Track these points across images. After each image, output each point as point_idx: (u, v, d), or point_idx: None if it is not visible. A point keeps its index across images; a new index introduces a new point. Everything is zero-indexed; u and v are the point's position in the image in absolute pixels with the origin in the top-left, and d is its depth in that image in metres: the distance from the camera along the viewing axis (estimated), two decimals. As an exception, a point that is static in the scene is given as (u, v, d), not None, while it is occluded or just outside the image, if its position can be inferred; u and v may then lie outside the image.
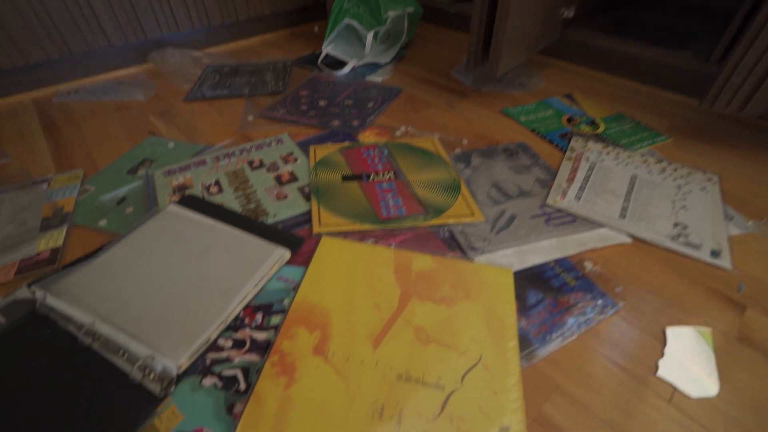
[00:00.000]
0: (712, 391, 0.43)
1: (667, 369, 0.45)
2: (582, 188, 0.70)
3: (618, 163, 0.78)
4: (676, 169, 0.76)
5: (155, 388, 0.40)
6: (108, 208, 0.67)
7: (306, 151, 0.80)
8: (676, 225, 0.64)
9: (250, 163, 0.76)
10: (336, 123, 0.89)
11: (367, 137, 0.85)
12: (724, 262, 0.58)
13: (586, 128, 0.88)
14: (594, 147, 0.82)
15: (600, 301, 0.52)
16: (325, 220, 0.62)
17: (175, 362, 0.41)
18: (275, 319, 0.47)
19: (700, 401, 0.42)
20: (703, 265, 0.58)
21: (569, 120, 0.92)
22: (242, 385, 0.41)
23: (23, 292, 0.52)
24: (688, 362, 0.46)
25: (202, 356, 0.44)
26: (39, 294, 0.49)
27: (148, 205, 0.67)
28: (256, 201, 0.67)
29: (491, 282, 0.52)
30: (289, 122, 0.91)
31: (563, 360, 0.46)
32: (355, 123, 0.89)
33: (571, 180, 0.73)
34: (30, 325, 0.47)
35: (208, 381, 0.42)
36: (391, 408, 0.39)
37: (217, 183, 0.71)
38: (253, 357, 0.44)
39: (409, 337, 0.45)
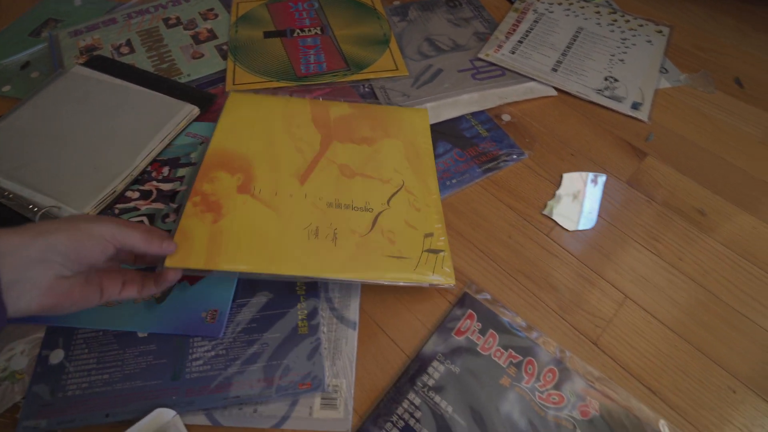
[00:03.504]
0: (588, 226, 0.47)
1: (553, 208, 0.48)
2: (521, 41, 0.66)
3: (568, 15, 0.72)
4: (628, 21, 0.71)
5: (65, 233, 0.43)
6: (12, 73, 0.62)
7: (228, 7, 0.72)
8: (606, 78, 0.62)
9: (166, 20, 0.69)
10: (265, -27, 0.79)
11: (299, -11, 0.76)
12: (642, 114, 0.58)
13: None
14: (546, -4, 0.75)
15: (507, 150, 0.53)
16: (240, 78, 0.59)
17: (80, 210, 0.43)
18: (182, 171, 0.48)
19: (574, 234, 0.47)
20: (621, 117, 0.58)
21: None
22: (148, 229, 0.44)
23: (-68, 156, 0.52)
24: (574, 202, 0.49)
25: (110, 207, 0.46)
26: (-57, 155, 0.48)
27: (54, 68, 0.62)
28: (169, 61, 0.63)
29: (408, 121, 0.53)
30: (212, -27, 0.80)
31: (459, 202, 0.49)
32: (287, -27, 0.79)
33: (511, 33, 0.68)
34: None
35: (117, 226, 0.44)
36: (325, 228, 0.42)
37: (129, 43, 0.65)
38: (158, 205, 0.46)
39: (334, 173, 0.47)
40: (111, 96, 0.55)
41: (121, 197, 0.46)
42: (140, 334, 0.38)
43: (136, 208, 0.46)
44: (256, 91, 0.57)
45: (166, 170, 0.49)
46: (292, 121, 0.51)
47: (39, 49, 0.66)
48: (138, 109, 0.53)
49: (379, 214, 0.44)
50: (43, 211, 0.43)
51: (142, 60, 0.63)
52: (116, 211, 0.46)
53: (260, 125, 0.51)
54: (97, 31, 0.67)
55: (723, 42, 0.68)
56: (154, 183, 0.48)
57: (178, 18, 0.70)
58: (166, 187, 0.47)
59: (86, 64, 0.60)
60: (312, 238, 0.41)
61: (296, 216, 0.42)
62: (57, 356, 0.37)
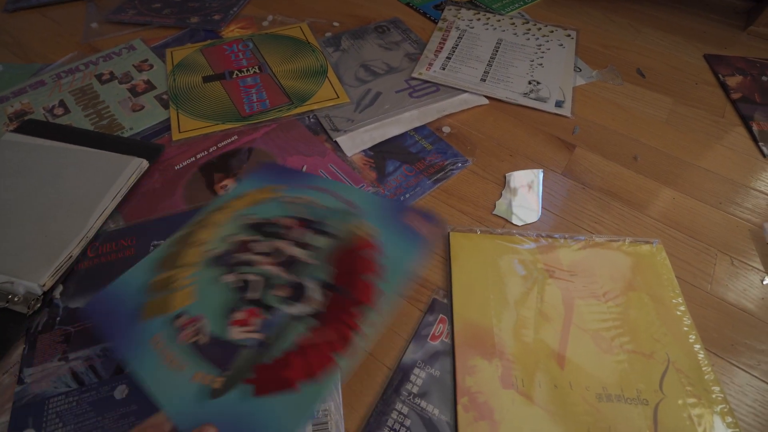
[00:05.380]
0: (534, 219, 0.51)
1: (501, 207, 0.52)
2: (449, 57, 0.72)
3: (487, 29, 0.78)
4: (540, 29, 0.79)
5: (22, 309, 0.41)
6: (-65, 149, 0.59)
7: (162, 56, 0.72)
8: (530, 82, 0.68)
9: (99, 76, 0.69)
10: (195, 20, 0.80)
11: (231, 32, 0.78)
12: (565, 110, 0.64)
13: (459, -5, 0.86)
14: (465, 15, 0.82)
15: (452, 160, 0.57)
16: (185, 125, 0.59)
17: (36, 282, 0.42)
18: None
19: (524, 228, 0.51)
20: (548, 116, 0.64)
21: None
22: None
23: None
24: (518, 199, 0.53)
25: (70, 272, 0.44)
26: None
27: (-17, 138, 0.60)
28: (108, 117, 0.62)
29: (647, 262, 0.46)
30: (141, 25, 0.80)
31: (416, 215, 0.52)
32: (217, 17, 0.81)
33: (439, 51, 0.73)
34: None
35: (77, 292, 0.43)
36: None
37: (62, 104, 0.64)
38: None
39: (589, 347, 0.40)
40: (51, 160, 0.54)
41: (80, 261, 0.45)
42: (117, 396, 0.37)
43: (94, 270, 0.45)
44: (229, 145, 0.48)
45: (121, 227, 0.48)
46: (525, 272, 0.45)
47: (-37, 121, 0.63)
48: (83, 170, 0.52)
49: (657, 406, 0.36)
50: (-7, 290, 0.41)
51: (79, 119, 0.62)
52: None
53: (493, 281, 0.44)
54: (25, 95, 0.65)
55: (622, 39, 0.77)
56: (111, 242, 0.47)
57: (111, 73, 0.69)
58: (124, 244, 0.47)
59: (17, 131, 0.58)
60: None
61: (570, 418, 0.36)
62: (29, 437, 0.36)
